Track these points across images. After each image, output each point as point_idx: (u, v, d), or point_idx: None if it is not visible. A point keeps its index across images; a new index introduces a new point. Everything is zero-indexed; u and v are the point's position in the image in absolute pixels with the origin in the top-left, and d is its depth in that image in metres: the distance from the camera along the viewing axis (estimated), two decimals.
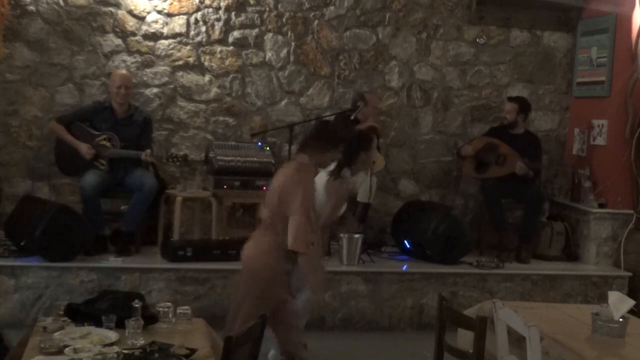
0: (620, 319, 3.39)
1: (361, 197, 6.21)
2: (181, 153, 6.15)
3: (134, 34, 6.50)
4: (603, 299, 5.22)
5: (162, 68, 6.56)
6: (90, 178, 5.79)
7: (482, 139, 6.75)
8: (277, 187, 4.10)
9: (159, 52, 6.55)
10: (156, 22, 6.52)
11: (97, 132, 5.95)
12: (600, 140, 6.70)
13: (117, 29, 6.46)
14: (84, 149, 5.85)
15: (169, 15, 6.54)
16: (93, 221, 5.73)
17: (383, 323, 5.94)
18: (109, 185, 5.91)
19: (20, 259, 5.53)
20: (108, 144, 5.91)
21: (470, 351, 3.38)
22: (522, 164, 6.42)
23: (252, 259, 4.15)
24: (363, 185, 6.18)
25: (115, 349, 2.97)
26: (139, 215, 5.93)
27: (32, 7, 6.31)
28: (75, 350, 2.95)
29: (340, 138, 4.48)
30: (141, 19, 6.50)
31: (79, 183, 5.87)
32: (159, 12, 6.52)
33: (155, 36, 6.53)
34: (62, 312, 3.45)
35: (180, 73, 6.60)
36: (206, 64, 6.63)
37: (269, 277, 4.03)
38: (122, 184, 5.95)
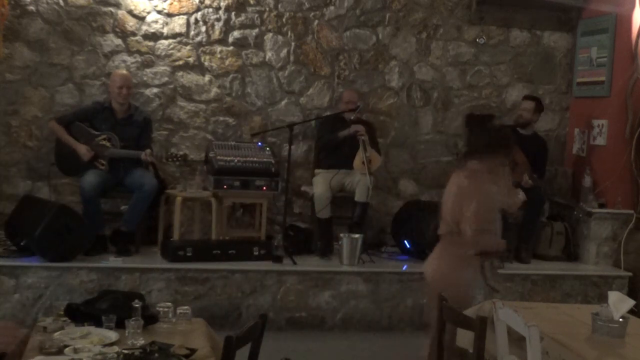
0: (620, 319, 3.39)
1: (359, 197, 6.21)
2: (181, 153, 6.14)
3: (134, 34, 6.50)
4: (603, 299, 5.22)
5: (162, 68, 6.56)
6: (90, 178, 5.79)
7: None
8: (451, 198, 4.08)
9: (159, 52, 6.55)
10: (156, 22, 6.52)
11: (97, 132, 5.95)
12: (600, 140, 6.70)
13: (117, 29, 6.46)
14: (83, 150, 5.85)
15: (169, 15, 6.54)
16: (93, 221, 5.72)
17: (383, 323, 5.94)
18: (109, 185, 5.91)
19: (20, 259, 5.53)
20: (108, 144, 5.91)
21: (470, 351, 3.39)
22: (528, 179, 6.34)
23: (439, 280, 4.11)
24: (360, 184, 6.17)
25: (115, 349, 2.97)
26: (139, 215, 5.93)
27: (32, 7, 6.31)
28: (75, 350, 2.94)
29: (509, 139, 4.33)
30: (141, 19, 6.50)
31: (79, 183, 5.87)
32: (159, 12, 6.52)
33: (155, 36, 6.53)
34: (62, 312, 3.45)
35: (180, 73, 6.60)
36: (206, 64, 6.63)
37: (460, 295, 3.97)
38: (122, 184, 5.95)
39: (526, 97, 6.76)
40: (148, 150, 5.90)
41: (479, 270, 4.12)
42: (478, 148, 4.21)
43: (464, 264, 4.08)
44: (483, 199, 4.04)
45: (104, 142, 5.92)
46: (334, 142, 6.40)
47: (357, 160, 6.22)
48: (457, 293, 3.94)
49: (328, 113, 6.72)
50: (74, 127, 5.98)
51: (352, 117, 6.45)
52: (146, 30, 6.51)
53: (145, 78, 6.53)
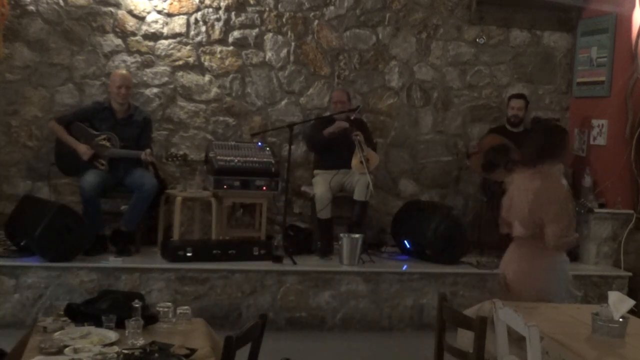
0: (620, 319, 3.38)
1: (358, 196, 6.21)
2: (181, 152, 6.14)
3: (134, 34, 6.50)
4: (603, 299, 5.21)
5: (162, 68, 6.57)
6: (90, 178, 5.79)
7: (498, 137, 6.68)
8: (527, 200, 4.08)
9: (159, 52, 6.55)
10: (156, 22, 6.52)
11: (96, 132, 5.95)
12: (600, 140, 6.70)
13: (117, 29, 6.46)
14: (83, 149, 5.85)
15: (169, 15, 6.54)
16: (93, 221, 5.72)
17: (383, 323, 5.94)
18: (109, 185, 5.91)
19: (20, 259, 5.53)
20: (108, 143, 5.91)
21: (470, 351, 3.39)
22: None
23: (523, 283, 4.12)
24: (360, 183, 6.17)
25: (115, 349, 2.97)
26: (139, 215, 5.93)
27: (32, 7, 6.31)
28: (75, 350, 2.94)
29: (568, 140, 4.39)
30: (141, 19, 6.50)
31: (79, 183, 5.87)
32: (159, 12, 6.52)
33: (155, 36, 6.53)
34: (62, 312, 3.44)
35: (180, 73, 6.60)
36: (206, 64, 6.63)
37: (544, 298, 3.99)
38: (122, 184, 5.95)
39: (515, 96, 6.80)
40: (148, 150, 5.90)
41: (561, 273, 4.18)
42: (548, 150, 4.19)
43: (548, 266, 4.11)
44: (564, 200, 4.09)
45: (103, 142, 5.91)
46: (321, 142, 6.40)
47: (355, 161, 6.21)
48: (541, 296, 3.98)
49: (328, 113, 6.71)
50: (73, 127, 5.98)
51: (352, 118, 6.45)
52: (146, 30, 6.52)
53: (145, 78, 6.53)
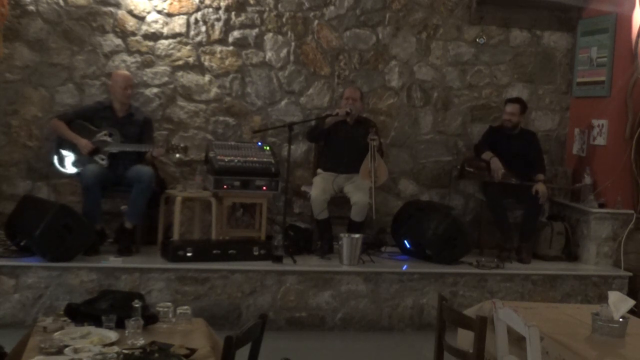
0: (620, 319, 3.39)
1: (355, 217, 6.18)
2: (182, 144, 6.12)
3: (134, 34, 6.50)
4: (603, 299, 5.22)
5: (162, 68, 6.57)
6: (92, 167, 5.79)
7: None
8: None
9: (159, 52, 6.55)
10: (156, 22, 6.53)
11: (97, 129, 5.96)
12: (600, 140, 6.70)
13: (117, 29, 6.47)
14: (83, 142, 5.85)
15: (169, 15, 6.54)
16: (92, 213, 5.70)
17: (383, 323, 5.94)
18: (109, 180, 5.89)
19: (20, 259, 5.53)
20: (109, 139, 5.92)
21: (470, 351, 3.39)
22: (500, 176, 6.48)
23: None
24: (358, 205, 6.12)
25: (115, 349, 2.97)
26: (141, 209, 5.89)
27: (32, 7, 6.31)
28: (75, 350, 2.94)
29: None
30: (141, 19, 6.50)
31: (80, 173, 5.83)
32: (159, 12, 6.52)
33: (155, 36, 6.54)
34: (62, 312, 3.44)
35: (180, 73, 6.60)
36: (206, 64, 6.63)
37: None
38: (121, 182, 5.93)
39: (510, 100, 6.75)
40: (154, 145, 5.94)
41: None
42: None
43: None
44: None
45: (105, 138, 5.93)
46: (321, 132, 6.38)
47: (364, 168, 6.16)
48: None
49: (328, 112, 6.71)
50: (74, 125, 5.99)
51: (347, 120, 6.44)
52: (146, 30, 6.52)
53: (145, 78, 6.53)
